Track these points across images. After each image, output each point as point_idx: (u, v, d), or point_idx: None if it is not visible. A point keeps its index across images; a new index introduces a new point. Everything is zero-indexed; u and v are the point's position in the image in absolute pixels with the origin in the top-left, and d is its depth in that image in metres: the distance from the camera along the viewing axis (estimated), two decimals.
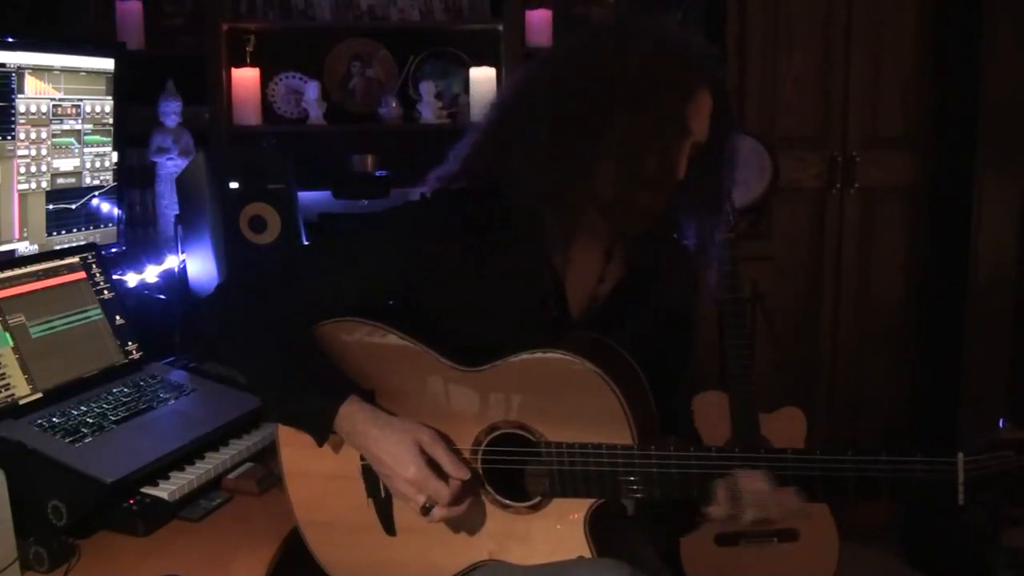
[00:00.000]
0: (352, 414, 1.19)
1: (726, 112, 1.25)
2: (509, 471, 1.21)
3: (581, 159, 1.20)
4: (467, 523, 1.23)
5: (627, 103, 1.19)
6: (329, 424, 1.20)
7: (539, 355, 1.18)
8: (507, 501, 1.21)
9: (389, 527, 1.26)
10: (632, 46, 1.22)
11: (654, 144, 1.20)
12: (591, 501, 1.18)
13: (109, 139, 1.96)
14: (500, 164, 1.26)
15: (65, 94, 1.82)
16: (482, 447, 1.21)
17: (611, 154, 1.20)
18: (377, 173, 2.97)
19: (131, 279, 2.10)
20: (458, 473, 1.16)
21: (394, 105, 2.97)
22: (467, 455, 1.21)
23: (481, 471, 1.21)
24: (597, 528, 1.19)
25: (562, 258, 1.30)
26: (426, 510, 1.17)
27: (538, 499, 1.20)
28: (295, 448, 1.27)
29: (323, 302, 1.28)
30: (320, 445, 1.23)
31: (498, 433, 1.20)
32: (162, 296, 2.13)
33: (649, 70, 1.20)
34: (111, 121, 1.95)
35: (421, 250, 1.26)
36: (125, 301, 1.79)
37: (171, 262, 2.19)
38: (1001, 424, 1.05)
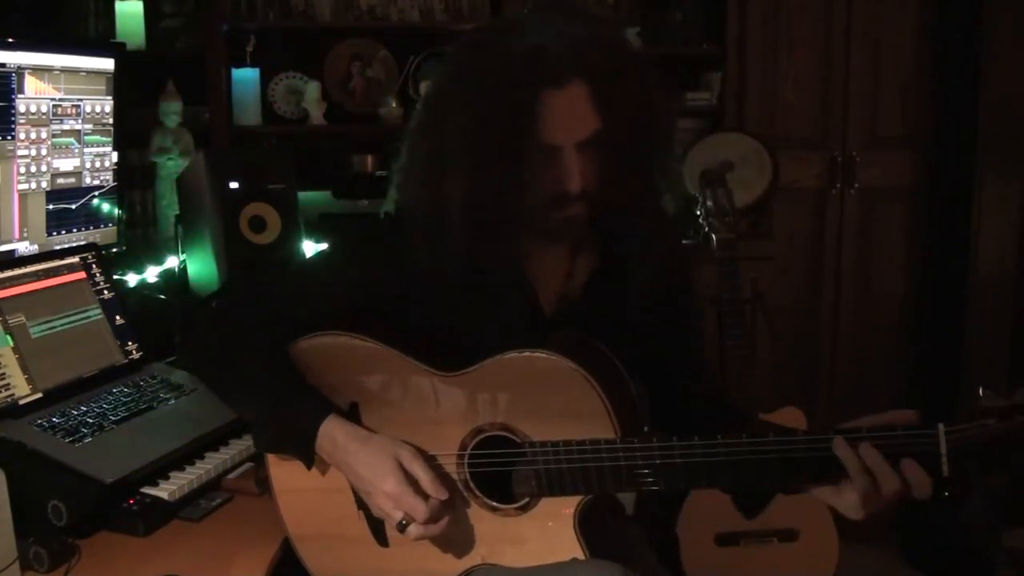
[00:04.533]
0: (331, 432, 1.19)
1: (613, 92, 1.15)
2: (497, 474, 1.21)
3: (447, 193, 1.18)
4: (458, 529, 1.22)
5: (467, 140, 1.15)
6: (311, 446, 1.21)
7: (518, 355, 1.17)
8: (496, 504, 1.21)
9: (381, 538, 1.26)
10: (463, 77, 1.18)
11: (511, 174, 1.15)
12: (579, 499, 1.17)
13: (109, 139, 1.96)
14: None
15: (65, 94, 1.82)
16: (468, 451, 1.21)
17: (482, 197, 1.16)
18: (377, 173, 2.96)
19: (131, 279, 2.10)
20: (436, 492, 1.16)
21: (394, 105, 2.97)
22: (453, 460, 1.21)
23: (468, 475, 1.21)
24: (588, 527, 1.19)
25: (529, 259, 1.28)
26: (402, 526, 1.17)
27: (527, 500, 1.20)
28: (283, 465, 1.27)
29: (298, 328, 1.28)
30: (309, 468, 1.23)
31: (483, 436, 1.20)
32: (162, 296, 2.13)
33: (474, 100, 1.15)
34: (111, 121, 1.95)
35: (388, 270, 1.27)
36: (125, 301, 1.79)
37: (171, 262, 2.19)
38: (981, 392, 1.05)
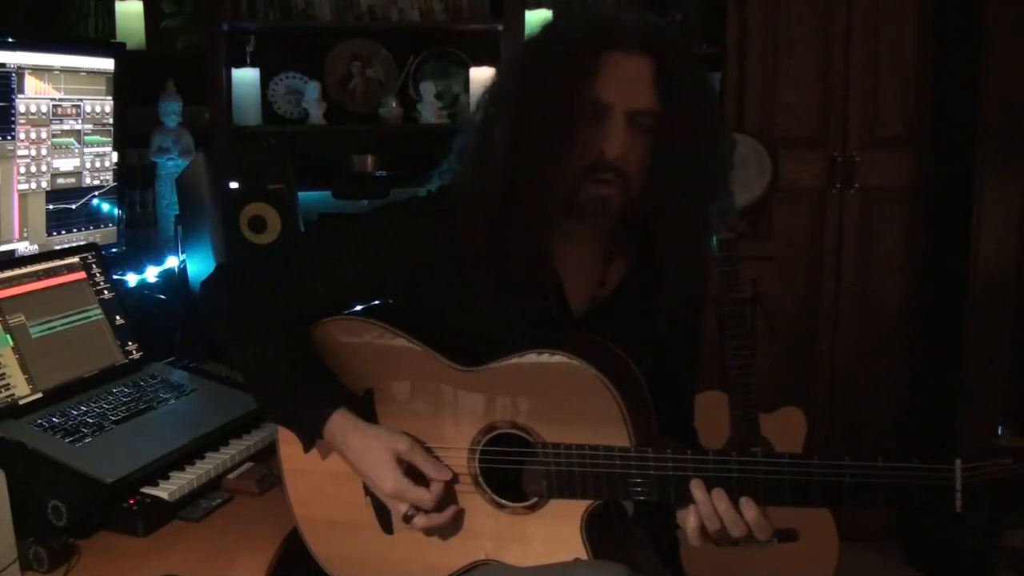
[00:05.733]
0: (337, 424, 1.20)
1: (675, 80, 1.17)
2: (507, 471, 1.22)
3: (497, 149, 1.18)
4: (465, 523, 1.23)
5: (524, 85, 1.18)
6: (316, 434, 1.22)
7: (538, 356, 1.17)
8: (504, 501, 1.21)
9: (386, 525, 1.26)
10: (537, 32, 1.23)
11: (559, 121, 1.15)
12: (588, 502, 1.17)
13: (109, 139, 1.96)
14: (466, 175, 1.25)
15: (65, 94, 1.82)
16: (479, 447, 1.21)
17: (526, 146, 1.17)
18: (377, 173, 2.97)
19: (131, 279, 2.10)
20: (438, 475, 1.18)
21: (394, 105, 2.97)
22: (464, 455, 1.22)
23: (479, 471, 1.21)
24: (594, 529, 1.19)
25: (562, 259, 1.29)
26: (407, 518, 1.18)
27: (535, 500, 1.20)
28: (295, 446, 1.27)
29: (321, 296, 1.28)
30: (306, 451, 1.24)
31: (496, 433, 1.21)
32: (162, 296, 2.14)
33: (541, 48, 1.19)
34: (111, 121, 1.95)
35: (421, 246, 1.25)
36: (125, 301, 1.79)
37: (171, 262, 2.19)
38: (1000, 431, 1.04)
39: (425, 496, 1.17)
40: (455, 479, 1.21)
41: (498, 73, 1.29)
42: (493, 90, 1.26)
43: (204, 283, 1.33)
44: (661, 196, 1.21)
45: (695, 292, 1.37)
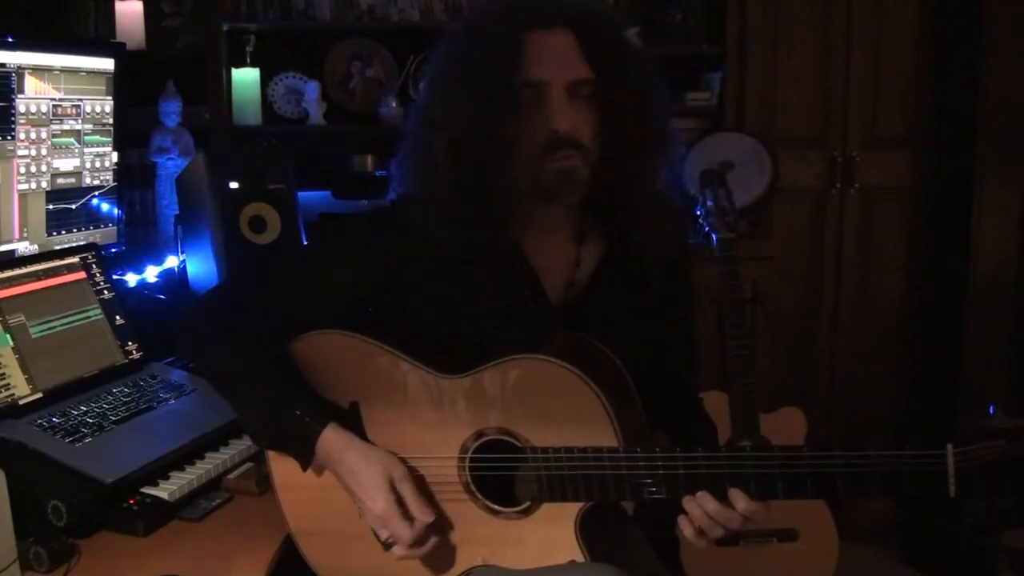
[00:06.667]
0: (329, 441, 1.19)
1: (602, 45, 1.20)
2: (498, 477, 1.21)
3: (442, 156, 1.19)
4: (459, 530, 1.23)
5: (453, 82, 1.19)
6: (311, 453, 1.21)
7: (521, 360, 1.17)
8: (497, 507, 1.21)
9: None
10: (456, 28, 1.24)
11: (501, 111, 1.16)
12: (580, 504, 1.17)
13: (109, 139, 1.96)
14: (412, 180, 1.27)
15: (65, 94, 1.82)
16: (469, 454, 1.21)
17: (472, 144, 1.17)
18: (377, 173, 2.97)
19: (131, 279, 2.10)
20: (422, 516, 1.17)
21: (394, 105, 2.97)
22: (455, 462, 1.21)
23: (470, 478, 1.21)
24: (589, 530, 1.19)
25: (532, 248, 1.29)
26: (387, 546, 1.18)
27: (528, 504, 1.20)
28: (284, 462, 1.27)
29: (301, 316, 1.28)
30: (304, 470, 1.23)
31: (484, 440, 1.20)
32: (162, 296, 2.13)
33: (463, 42, 1.21)
34: (111, 121, 1.95)
35: (394, 255, 1.27)
36: (125, 301, 1.79)
37: (171, 262, 2.19)
38: (992, 411, 1.04)
39: (406, 533, 1.16)
40: (442, 513, 1.21)
41: (427, 72, 1.29)
42: (424, 91, 1.26)
43: (182, 320, 1.34)
44: (620, 158, 1.23)
45: (677, 256, 1.37)
